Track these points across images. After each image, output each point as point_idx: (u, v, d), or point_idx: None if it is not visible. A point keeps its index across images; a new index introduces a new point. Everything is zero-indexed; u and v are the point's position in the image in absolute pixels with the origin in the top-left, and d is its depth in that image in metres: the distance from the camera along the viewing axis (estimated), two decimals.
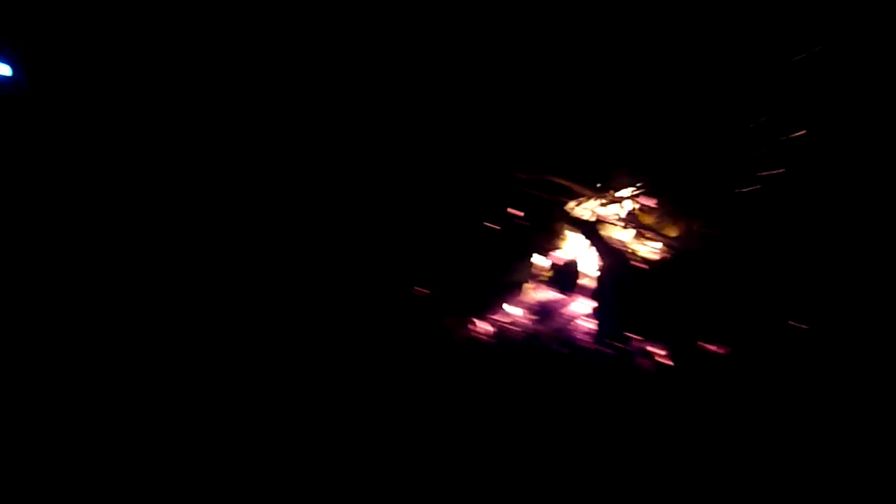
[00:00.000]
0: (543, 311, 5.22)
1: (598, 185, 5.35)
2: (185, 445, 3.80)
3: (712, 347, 4.58)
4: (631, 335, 4.81)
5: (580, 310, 5.21)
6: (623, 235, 5.36)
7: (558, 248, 5.36)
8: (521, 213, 5.22)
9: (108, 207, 4.90)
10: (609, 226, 5.32)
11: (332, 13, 5.10)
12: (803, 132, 4.70)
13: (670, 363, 4.63)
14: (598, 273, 5.20)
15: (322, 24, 5.10)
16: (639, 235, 5.33)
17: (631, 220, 5.35)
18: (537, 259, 5.30)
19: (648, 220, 5.35)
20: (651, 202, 5.37)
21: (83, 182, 4.85)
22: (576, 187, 5.34)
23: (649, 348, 4.71)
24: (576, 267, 5.25)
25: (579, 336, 5.01)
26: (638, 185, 5.36)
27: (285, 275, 4.97)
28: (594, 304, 5.14)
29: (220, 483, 3.62)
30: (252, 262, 4.98)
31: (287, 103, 5.19)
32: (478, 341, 5.01)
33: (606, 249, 5.22)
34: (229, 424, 3.94)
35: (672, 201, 5.31)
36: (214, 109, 5.06)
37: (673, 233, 5.30)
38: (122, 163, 4.96)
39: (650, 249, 5.27)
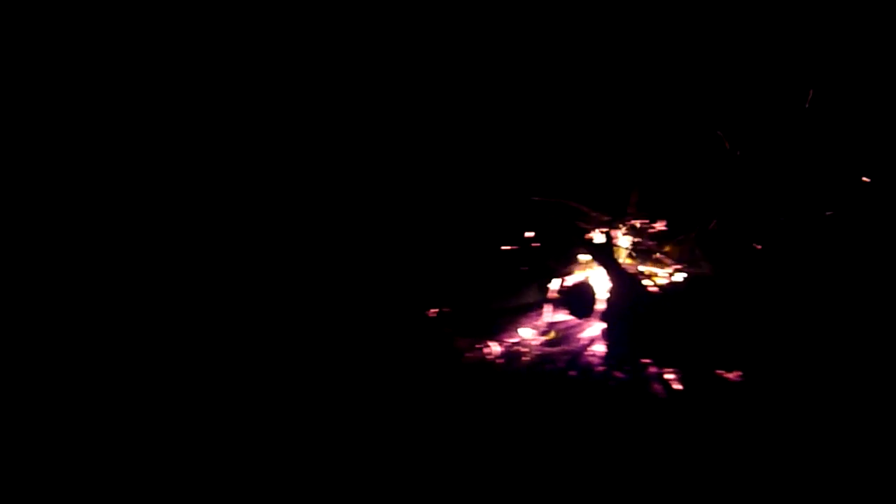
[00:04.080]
0: (556, 335, 5.21)
1: (613, 209, 5.41)
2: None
3: (726, 374, 4.53)
4: (643, 360, 4.78)
5: (592, 334, 5.20)
6: (636, 259, 5.39)
7: (572, 271, 5.39)
8: (536, 236, 5.27)
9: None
10: (622, 250, 5.35)
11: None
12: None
13: (681, 387, 4.60)
14: (611, 297, 5.19)
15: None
16: (651, 259, 5.36)
17: (643, 244, 5.38)
18: (551, 282, 5.32)
19: (661, 244, 5.41)
20: (664, 226, 5.44)
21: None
22: (590, 212, 5.41)
23: (660, 373, 4.68)
24: (589, 291, 5.25)
25: (591, 360, 4.99)
26: (651, 209, 5.44)
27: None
28: (607, 328, 5.12)
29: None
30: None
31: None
32: (487, 363, 5.00)
33: (619, 273, 5.22)
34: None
35: (683, 225, 5.38)
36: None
37: (684, 256, 5.34)
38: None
39: (662, 273, 5.30)
